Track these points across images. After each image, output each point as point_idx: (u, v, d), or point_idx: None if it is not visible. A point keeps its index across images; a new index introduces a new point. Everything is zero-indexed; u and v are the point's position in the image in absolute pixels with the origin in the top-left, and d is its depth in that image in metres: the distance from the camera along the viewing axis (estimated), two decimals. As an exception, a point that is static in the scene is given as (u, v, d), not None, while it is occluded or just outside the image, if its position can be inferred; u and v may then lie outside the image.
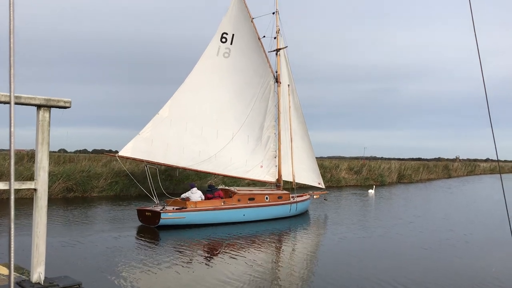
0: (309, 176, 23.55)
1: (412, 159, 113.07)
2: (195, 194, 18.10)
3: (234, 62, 22.01)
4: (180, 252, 13.32)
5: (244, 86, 22.08)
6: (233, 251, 13.44)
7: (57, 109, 2.86)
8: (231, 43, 21.96)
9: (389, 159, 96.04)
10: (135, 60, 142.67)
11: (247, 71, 22.07)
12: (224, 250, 13.70)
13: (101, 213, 20.86)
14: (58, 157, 31.28)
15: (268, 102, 22.02)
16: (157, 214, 16.75)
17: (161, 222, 16.64)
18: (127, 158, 20.79)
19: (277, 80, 22.13)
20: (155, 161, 20.86)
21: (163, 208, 17.18)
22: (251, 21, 21.94)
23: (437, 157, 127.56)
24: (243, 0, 21.97)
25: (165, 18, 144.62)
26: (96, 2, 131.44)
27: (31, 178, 10.48)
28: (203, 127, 21.69)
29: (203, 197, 18.29)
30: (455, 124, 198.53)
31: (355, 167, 45.46)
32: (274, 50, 22.29)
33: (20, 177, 24.32)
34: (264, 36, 22.00)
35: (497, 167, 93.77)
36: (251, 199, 19.35)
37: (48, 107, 2.74)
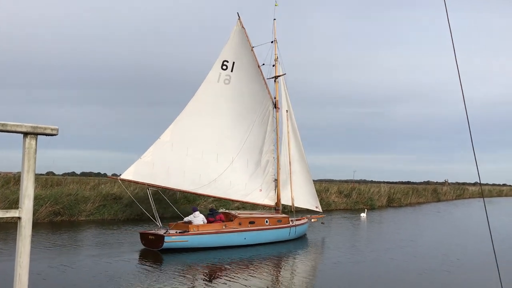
0: (307, 200, 24.05)
1: (402, 183, 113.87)
2: (198, 218, 18.49)
3: (234, 89, 22.70)
4: (184, 276, 13.71)
5: (244, 112, 22.72)
6: (236, 275, 13.83)
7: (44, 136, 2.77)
8: (231, 70, 22.69)
9: (379, 182, 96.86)
10: (124, 82, 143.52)
11: (247, 97, 22.76)
12: (227, 274, 14.04)
13: (90, 237, 20.72)
14: (45, 180, 31.02)
15: (267, 127, 22.67)
16: (160, 238, 17.07)
17: (165, 245, 16.95)
18: (129, 181, 21.20)
19: (275, 105, 22.86)
20: (157, 184, 21.25)
21: (166, 231, 17.50)
22: (251, 49, 22.77)
23: (426, 180, 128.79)
24: (244, 30, 22.81)
25: (156, 38, 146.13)
26: (86, 25, 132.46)
27: (17, 202, 10.59)
28: (204, 151, 22.19)
29: (205, 220, 18.67)
30: (443, 147, 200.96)
31: (345, 191, 45.84)
32: (272, 77, 23.11)
33: (5, 201, 24.34)
34: (263, 64, 22.86)
35: (485, 191, 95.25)
36: (252, 222, 19.76)
37: (35, 134, 2.68)
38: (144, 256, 16.41)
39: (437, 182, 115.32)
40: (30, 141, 2.67)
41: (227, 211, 21.00)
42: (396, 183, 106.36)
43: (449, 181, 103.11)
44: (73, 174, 75.95)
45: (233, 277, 13.53)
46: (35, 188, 2.96)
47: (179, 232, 17.65)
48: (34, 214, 3.47)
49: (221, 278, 13.56)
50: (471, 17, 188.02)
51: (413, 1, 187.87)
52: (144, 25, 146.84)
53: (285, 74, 23.12)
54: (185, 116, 22.24)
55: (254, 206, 25.95)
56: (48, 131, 2.72)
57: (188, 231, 17.75)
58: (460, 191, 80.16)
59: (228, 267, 15.23)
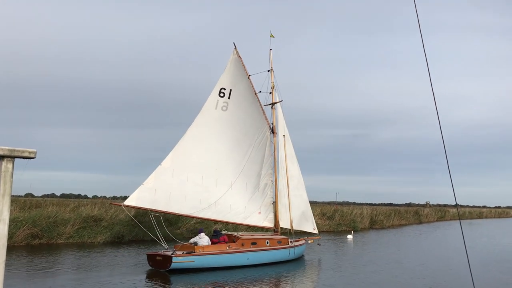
0: (306, 221, 24.81)
1: (384, 204, 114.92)
2: (203, 239, 19.08)
3: (232, 115, 23.64)
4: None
5: (241, 137, 23.61)
6: None
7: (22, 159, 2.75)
8: (228, 98, 23.67)
9: (361, 204, 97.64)
10: (106, 105, 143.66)
11: (244, 123, 23.69)
12: None
13: (69, 260, 20.23)
14: (24, 202, 30.54)
15: (264, 151, 23.56)
16: (168, 258, 17.58)
17: (173, 266, 17.47)
18: (133, 207, 21.71)
19: (273, 131, 23.83)
20: (159, 209, 21.79)
21: (173, 252, 18.01)
22: (248, 77, 23.86)
23: (407, 202, 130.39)
24: (240, 59, 23.95)
25: (147, 62, 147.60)
26: (72, 47, 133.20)
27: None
28: (203, 176, 22.90)
29: (209, 241, 19.23)
30: (424, 169, 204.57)
31: (328, 213, 46.08)
32: (269, 104, 24.16)
33: None
34: (260, 91, 23.88)
35: (465, 213, 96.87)
36: (254, 243, 20.40)
37: (12, 157, 2.58)
38: (150, 277, 16.81)
39: (418, 204, 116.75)
40: (6, 165, 2.59)
41: (229, 232, 21.56)
42: (378, 205, 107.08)
43: (431, 203, 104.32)
44: (52, 195, 75.10)
45: None
46: (12, 210, 3.17)
47: (186, 253, 18.16)
48: (11, 237, 3.18)
49: None
50: (453, 42, 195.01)
51: (396, 27, 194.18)
52: (138, 50, 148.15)
53: (281, 101, 24.31)
54: (185, 142, 23.01)
55: (251, 228, 26.47)
56: (26, 154, 2.63)
57: (194, 252, 18.27)
58: (442, 213, 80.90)
59: (234, 285, 15.84)
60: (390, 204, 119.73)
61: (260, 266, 19.99)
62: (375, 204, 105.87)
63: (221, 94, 23.73)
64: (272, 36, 24.73)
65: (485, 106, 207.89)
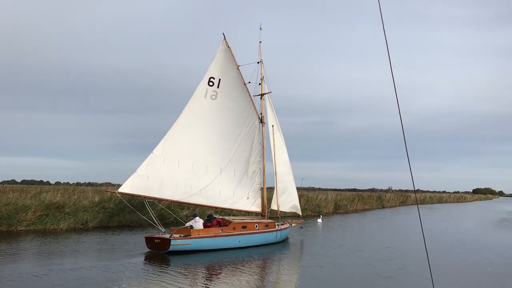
0: (293, 205, 26.22)
1: (348, 190, 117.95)
2: (198, 223, 20.11)
3: (221, 104, 24.51)
4: (193, 274, 15.46)
5: (231, 126, 24.55)
6: (235, 273, 15.73)
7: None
8: (217, 87, 24.50)
9: (326, 189, 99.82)
10: (70, 90, 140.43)
11: (234, 112, 24.62)
12: (227, 272, 15.89)
13: (32, 247, 19.81)
14: None
15: (253, 140, 24.62)
16: (167, 241, 18.53)
17: (171, 248, 18.46)
18: (127, 194, 22.37)
19: (261, 121, 24.85)
20: (151, 195, 22.57)
21: (171, 236, 18.93)
22: (237, 68, 24.72)
23: (371, 187, 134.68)
24: (229, 49, 24.77)
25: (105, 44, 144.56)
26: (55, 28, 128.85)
27: None
28: (194, 163, 23.79)
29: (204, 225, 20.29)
30: (387, 156, 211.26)
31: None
32: (259, 95, 25.14)
33: None
34: (249, 82, 24.81)
35: (426, 198, 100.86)
36: (244, 227, 21.56)
37: None
38: (149, 259, 17.65)
39: (381, 189, 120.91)
40: None
41: (222, 217, 22.59)
42: (342, 190, 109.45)
43: (393, 189, 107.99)
44: (13, 182, 73.32)
45: (233, 275, 15.41)
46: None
47: (183, 236, 19.13)
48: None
49: (223, 276, 15.29)
50: (416, 32, 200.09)
51: (361, 16, 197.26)
52: (110, 33, 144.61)
53: (270, 92, 25.30)
54: (175, 130, 23.76)
55: (240, 213, 27.57)
56: None
57: (191, 235, 19.26)
58: (403, 198, 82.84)
59: (228, 266, 17.05)
60: (354, 190, 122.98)
61: (250, 248, 21.22)
62: (339, 190, 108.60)
63: (210, 83, 24.49)
64: (261, 29, 25.59)
65: (446, 95, 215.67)
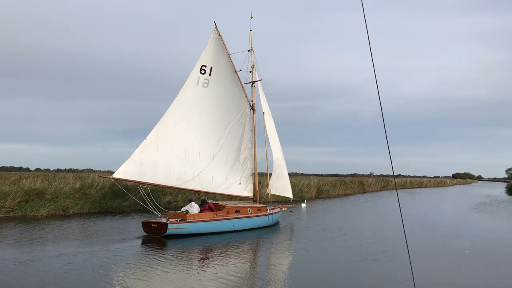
0: (286, 190, 27.11)
1: (330, 175, 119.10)
2: (193, 208, 20.79)
3: (213, 92, 25.03)
4: (189, 257, 16.09)
5: (222, 113, 25.13)
6: (230, 255, 16.39)
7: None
8: (209, 75, 24.98)
9: (308, 175, 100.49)
10: (48, 74, 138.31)
11: (225, 100, 25.17)
12: (222, 255, 16.52)
13: (10, 234, 19.59)
14: None
15: (244, 127, 25.26)
16: (164, 225, 19.18)
17: (168, 232, 19.13)
18: (121, 179, 22.83)
19: (252, 108, 25.47)
20: (146, 181, 23.10)
21: (167, 220, 19.57)
22: (228, 56, 25.23)
23: (353, 173, 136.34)
24: (220, 38, 25.20)
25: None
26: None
27: None
28: (186, 150, 24.34)
29: (199, 209, 20.96)
30: (369, 141, 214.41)
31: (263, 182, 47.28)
32: (249, 82, 25.72)
33: None
34: (240, 70, 25.37)
35: (407, 183, 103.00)
36: (237, 211, 22.31)
37: None
38: (146, 242, 18.30)
39: (363, 174, 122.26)
40: None
41: (215, 202, 23.27)
42: (325, 175, 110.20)
43: (374, 174, 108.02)
44: None
45: (227, 257, 16.07)
46: None
47: (179, 220, 19.79)
48: None
49: (218, 258, 15.90)
50: (398, 18, 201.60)
51: (343, 4, 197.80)
52: (88, 17, 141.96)
53: (261, 80, 25.90)
54: (168, 118, 24.24)
55: (230, 198, 28.25)
56: None
57: (186, 219, 19.93)
58: (384, 183, 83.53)
59: (223, 249, 17.75)
60: (336, 175, 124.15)
61: (243, 231, 22.02)
62: (321, 175, 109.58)
63: (202, 71, 24.95)
64: (252, 17, 26.03)
65: (428, 80, 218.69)
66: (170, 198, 33.06)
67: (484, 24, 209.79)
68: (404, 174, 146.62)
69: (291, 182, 48.12)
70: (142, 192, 22.77)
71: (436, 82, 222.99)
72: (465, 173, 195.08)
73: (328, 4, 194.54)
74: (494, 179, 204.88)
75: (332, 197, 53.90)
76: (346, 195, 59.73)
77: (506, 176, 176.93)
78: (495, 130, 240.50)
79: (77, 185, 30.06)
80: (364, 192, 69.20)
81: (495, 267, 15.08)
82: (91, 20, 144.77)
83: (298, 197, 44.45)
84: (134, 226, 22.62)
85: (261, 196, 27.13)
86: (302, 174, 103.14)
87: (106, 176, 25.03)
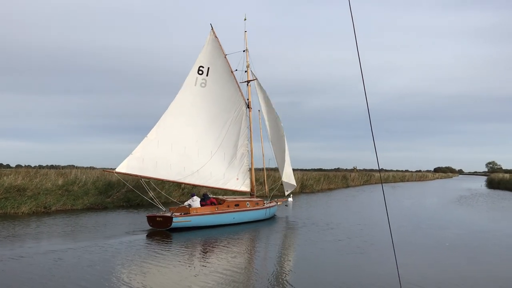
0: (291, 179, 28.82)
1: (314, 170, 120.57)
2: (196, 202, 22.15)
3: (210, 91, 26.38)
4: (194, 249, 17.44)
5: (219, 112, 26.51)
6: (232, 246, 17.78)
7: None
8: (207, 75, 26.33)
9: (293, 170, 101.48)
10: (30, 68, 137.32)
11: (222, 99, 26.56)
12: (225, 246, 17.89)
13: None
14: None
15: (241, 124, 26.70)
16: (169, 219, 20.52)
17: (173, 225, 20.49)
18: (124, 174, 24.10)
19: (248, 106, 26.90)
20: (148, 175, 24.40)
21: (172, 214, 20.91)
22: (225, 57, 26.59)
23: (336, 167, 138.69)
24: (217, 39, 26.55)
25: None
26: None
27: None
28: (186, 147, 25.68)
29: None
30: (352, 136, 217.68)
31: (260, 178, 45.41)
32: (245, 81, 27.11)
33: None
34: (236, 70, 26.76)
35: (389, 177, 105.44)
36: (237, 205, 23.76)
37: None
38: (151, 235, 19.61)
39: (346, 169, 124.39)
40: None
41: (216, 196, 24.67)
42: (308, 170, 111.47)
43: (358, 168, 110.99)
44: None
45: (228, 248, 17.41)
46: None
47: (183, 214, 21.15)
48: None
49: (220, 249, 17.25)
50: (384, 13, 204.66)
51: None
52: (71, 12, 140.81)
53: (256, 79, 27.24)
54: (168, 116, 25.54)
55: (226, 192, 29.65)
56: None
57: (190, 213, 21.31)
58: (367, 177, 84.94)
59: (225, 240, 19.14)
60: (320, 169, 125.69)
61: (243, 224, 23.49)
62: (305, 170, 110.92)
63: (200, 72, 26.28)
64: (245, 19, 27.43)
65: (412, 76, 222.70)
66: (155, 193, 33.61)
67: (468, 21, 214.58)
68: (387, 169, 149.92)
69: (275, 177, 49.34)
70: (146, 187, 24.07)
71: (419, 78, 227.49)
72: (446, 167, 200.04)
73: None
74: (475, 173, 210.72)
75: (316, 191, 54.62)
76: (330, 189, 60.52)
77: (486, 169, 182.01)
78: (475, 125, 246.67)
79: (60, 182, 30.17)
80: (348, 186, 70.18)
81: (474, 259, 15.57)
82: (76, 14, 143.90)
83: (282, 192, 44.50)
84: (124, 221, 23.82)
85: (271, 188, 28.36)
86: (257, 169, 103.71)
87: (109, 170, 26.19)
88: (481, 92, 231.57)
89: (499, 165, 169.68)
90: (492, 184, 77.28)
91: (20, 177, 29.11)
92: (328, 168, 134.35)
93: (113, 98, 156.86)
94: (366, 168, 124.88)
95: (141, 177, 24.36)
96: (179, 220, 20.85)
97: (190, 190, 31.22)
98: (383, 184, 32.31)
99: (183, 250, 16.70)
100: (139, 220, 23.90)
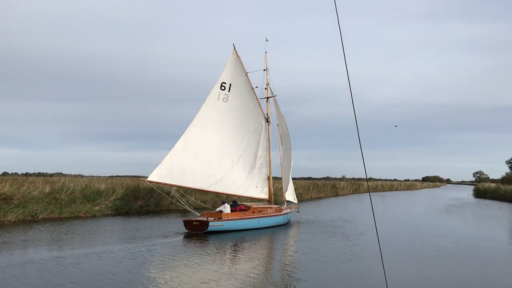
0: (292, 194, 32.19)
1: (303, 178, 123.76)
2: (226, 208, 25.39)
3: (232, 105, 29.69)
4: (230, 249, 20.74)
5: (240, 124, 29.80)
6: (260, 247, 21.24)
7: None
8: (229, 90, 29.62)
9: (281, 178, 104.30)
10: (20, 74, 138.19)
11: (242, 113, 29.87)
12: (254, 246, 20.95)
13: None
14: None
15: (260, 136, 30.04)
16: (205, 223, 23.71)
17: (209, 228, 23.68)
18: (156, 182, 27.25)
19: (267, 120, 30.38)
20: (176, 184, 27.62)
21: (207, 218, 24.20)
22: (246, 75, 29.94)
23: (325, 176, 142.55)
24: (239, 58, 29.90)
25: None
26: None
27: None
28: (209, 157, 28.90)
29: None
30: (341, 145, 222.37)
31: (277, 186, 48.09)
32: (265, 98, 30.54)
33: None
34: (256, 87, 30.08)
35: (378, 186, 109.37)
36: (260, 211, 27.12)
37: None
38: (188, 237, 22.76)
39: (335, 178, 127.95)
40: None
41: (243, 203, 28.00)
42: (298, 178, 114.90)
43: (346, 177, 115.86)
44: None
45: (258, 248, 20.67)
46: None
47: (217, 219, 24.45)
48: None
49: (251, 249, 20.31)
50: (371, 25, 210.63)
51: (318, 10, 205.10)
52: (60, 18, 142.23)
53: (275, 96, 30.73)
54: (193, 128, 28.71)
55: (240, 199, 33.00)
56: None
57: (222, 218, 24.63)
58: (356, 186, 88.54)
59: (253, 242, 22.14)
60: (309, 178, 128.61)
61: (266, 228, 26.80)
62: (295, 178, 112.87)
63: (222, 88, 29.62)
64: (266, 40, 30.95)
65: (398, 86, 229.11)
66: (142, 202, 35.33)
67: (455, 32, 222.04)
68: (376, 177, 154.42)
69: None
70: (176, 194, 27.30)
71: (407, 89, 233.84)
72: (434, 177, 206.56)
73: (300, 9, 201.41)
74: (462, 182, 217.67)
75: (305, 200, 55.98)
76: (319, 198, 62.57)
77: (473, 179, 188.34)
78: (463, 134, 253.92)
79: (47, 190, 30.59)
80: (337, 195, 72.58)
81: (460, 267, 16.50)
82: (64, 21, 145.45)
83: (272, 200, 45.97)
84: (115, 228, 26.34)
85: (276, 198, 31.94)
86: (275, 178, 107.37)
87: (142, 179, 29.25)
88: (467, 102, 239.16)
89: (486, 174, 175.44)
90: (479, 193, 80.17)
91: (7, 185, 29.25)
92: (318, 177, 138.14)
93: (102, 106, 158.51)
94: (355, 177, 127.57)
95: (171, 185, 27.51)
96: (214, 225, 24.03)
97: (198, 196, 34.49)
98: (371, 193, 35.14)
99: (217, 251, 19.32)
100: (142, 226, 26.93)
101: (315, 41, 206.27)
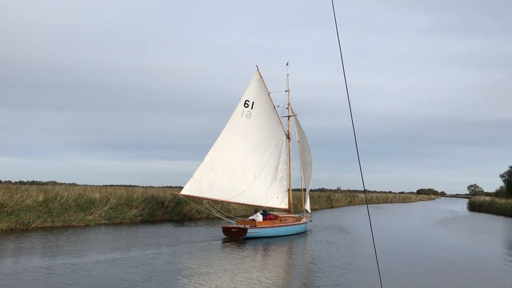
0: (307, 205, 36.20)
1: (298, 190, 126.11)
2: (259, 217, 29.13)
3: (254, 122, 33.47)
4: (268, 252, 24.58)
5: (262, 140, 33.55)
6: (288, 250, 24.68)
7: None
8: (251, 108, 33.51)
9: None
10: (12, 83, 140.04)
11: (264, 129, 33.68)
12: (284, 250, 24.29)
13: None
14: None
15: (281, 151, 33.87)
16: (244, 230, 27.10)
17: (247, 235, 27.18)
18: (188, 196, 31.02)
19: (288, 137, 34.41)
20: (206, 196, 31.42)
21: (245, 226, 27.94)
22: (268, 94, 33.88)
23: (321, 187, 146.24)
24: (261, 78, 33.83)
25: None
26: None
27: None
28: (234, 170, 32.62)
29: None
30: (337, 156, 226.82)
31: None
32: (286, 116, 34.52)
33: None
34: (278, 106, 33.94)
35: (373, 198, 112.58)
36: (285, 220, 31.02)
37: None
38: (226, 242, 26.27)
39: (330, 189, 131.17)
40: None
41: (272, 212, 31.78)
42: (293, 190, 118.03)
43: (342, 189, 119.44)
44: None
45: (288, 251, 24.02)
46: None
47: (253, 226, 28.21)
48: None
49: (282, 252, 23.76)
50: (369, 39, 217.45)
51: (316, 24, 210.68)
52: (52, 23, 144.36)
53: (296, 115, 34.72)
54: (219, 143, 32.28)
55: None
56: None
57: (256, 226, 28.47)
58: (351, 198, 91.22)
59: (283, 246, 25.42)
60: (305, 190, 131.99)
61: (291, 235, 30.16)
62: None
63: (246, 105, 33.49)
64: (287, 64, 35.07)
65: (395, 99, 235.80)
66: (136, 212, 37.61)
67: (450, 47, 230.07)
68: (370, 190, 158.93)
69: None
70: (206, 205, 31.08)
71: (402, 102, 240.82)
72: (429, 189, 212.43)
73: (298, 23, 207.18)
74: (457, 195, 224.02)
75: (300, 211, 57.37)
76: (313, 209, 61.64)
77: (468, 192, 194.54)
78: (458, 148, 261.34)
79: (40, 198, 31.05)
80: (332, 207, 75.35)
81: (455, 280, 17.21)
82: (62, 29, 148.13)
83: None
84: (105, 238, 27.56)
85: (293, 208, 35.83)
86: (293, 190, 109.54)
87: (176, 193, 32.80)
88: (462, 116, 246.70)
89: (481, 187, 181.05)
90: (474, 206, 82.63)
91: (0, 192, 29.71)
92: (313, 188, 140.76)
93: (95, 115, 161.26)
94: (350, 188, 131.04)
95: (201, 198, 31.15)
96: (251, 231, 27.34)
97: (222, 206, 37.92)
98: (371, 204, 38.36)
99: (255, 254, 22.49)
100: (143, 234, 29.92)
101: (312, 54, 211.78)
